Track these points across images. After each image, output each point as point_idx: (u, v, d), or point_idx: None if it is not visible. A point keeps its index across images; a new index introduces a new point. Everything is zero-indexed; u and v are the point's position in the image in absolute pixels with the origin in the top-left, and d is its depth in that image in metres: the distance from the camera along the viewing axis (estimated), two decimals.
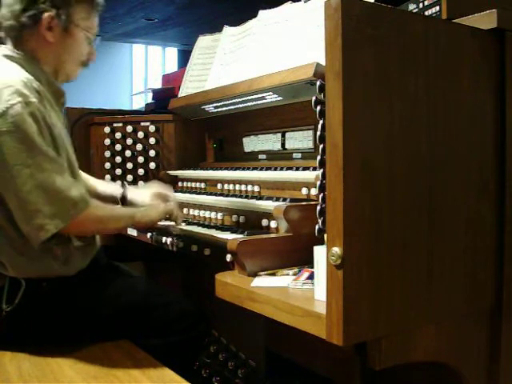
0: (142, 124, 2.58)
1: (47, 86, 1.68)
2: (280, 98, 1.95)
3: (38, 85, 1.61)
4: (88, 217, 1.58)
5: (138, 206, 1.94)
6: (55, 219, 1.51)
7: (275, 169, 1.92)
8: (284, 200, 1.65)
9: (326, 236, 1.06)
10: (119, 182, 2.28)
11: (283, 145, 2.10)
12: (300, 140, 2.01)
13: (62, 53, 1.71)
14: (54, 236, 1.53)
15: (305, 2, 2.03)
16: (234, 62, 2.28)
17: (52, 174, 1.51)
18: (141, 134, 2.57)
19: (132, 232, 2.18)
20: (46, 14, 1.63)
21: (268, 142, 2.18)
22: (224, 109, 2.27)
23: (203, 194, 2.14)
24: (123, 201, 2.02)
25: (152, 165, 2.55)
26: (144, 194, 1.99)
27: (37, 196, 1.49)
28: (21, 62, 1.64)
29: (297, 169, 1.82)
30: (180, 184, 2.49)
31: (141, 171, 2.57)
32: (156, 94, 3.03)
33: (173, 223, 1.92)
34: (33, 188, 1.49)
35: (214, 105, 2.28)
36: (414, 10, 1.49)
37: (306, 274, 1.35)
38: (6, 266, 1.60)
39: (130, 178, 2.56)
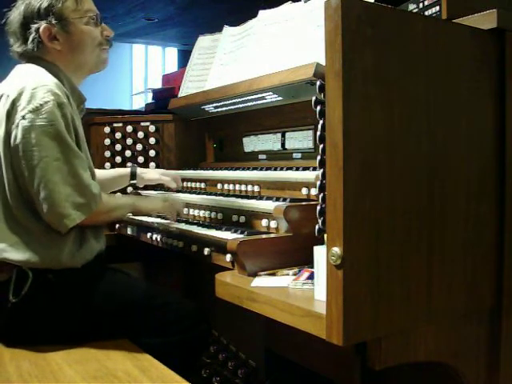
0: (142, 124, 2.58)
1: (70, 91, 1.74)
2: (280, 98, 1.95)
3: (65, 90, 1.69)
4: (100, 210, 1.68)
5: (145, 182, 2.21)
6: (79, 211, 1.61)
7: (275, 169, 1.92)
8: (284, 200, 1.65)
9: (325, 236, 1.06)
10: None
11: (283, 145, 2.09)
12: (300, 140, 2.01)
13: (76, 52, 1.78)
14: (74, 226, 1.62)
15: (305, 2, 2.03)
16: (233, 62, 2.28)
17: (79, 168, 1.61)
18: (141, 134, 2.57)
19: (132, 232, 2.18)
20: (40, 30, 1.70)
21: (268, 141, 2.18)
22: (224, 109, 2.27)
23: (203, 193, 2.14)
24: (133, 176, 2.19)
25: (152, 165, 2.55)
26: (153, 172, 2.23)
27: (64, 188, 1.58)
28: (47, 68, 1.72)
29: (297, 169, 1.82)
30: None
31: None
32: (156, 94, 3.02)
33: (166, 221, 1.98)
34: (61, 180, 1.57)
35: (214, 105, 2.28)
36: (414, 10, 1.49)
37: (306, 274, 1.35)
38: (15, 254, 1.61)
39: None
